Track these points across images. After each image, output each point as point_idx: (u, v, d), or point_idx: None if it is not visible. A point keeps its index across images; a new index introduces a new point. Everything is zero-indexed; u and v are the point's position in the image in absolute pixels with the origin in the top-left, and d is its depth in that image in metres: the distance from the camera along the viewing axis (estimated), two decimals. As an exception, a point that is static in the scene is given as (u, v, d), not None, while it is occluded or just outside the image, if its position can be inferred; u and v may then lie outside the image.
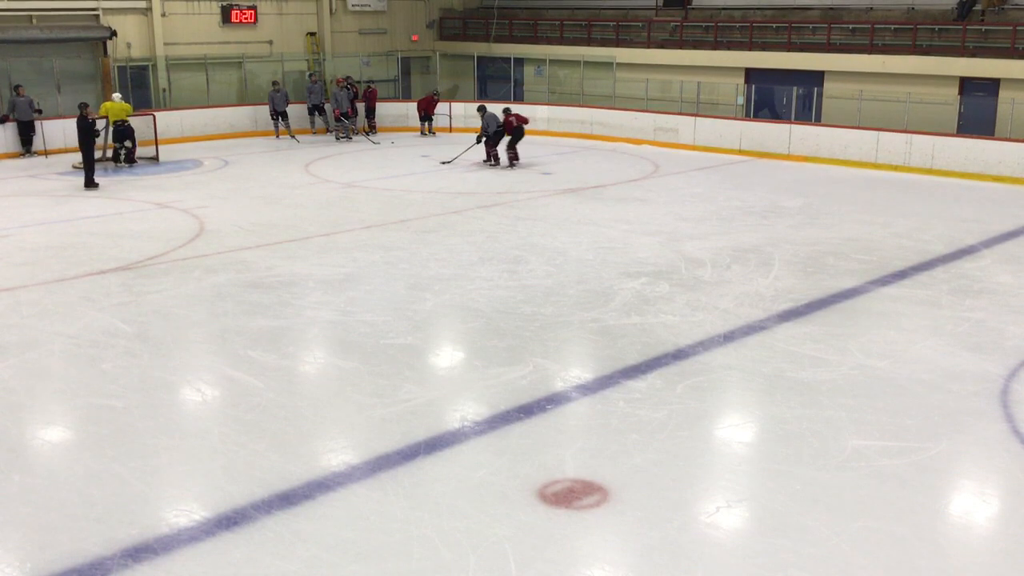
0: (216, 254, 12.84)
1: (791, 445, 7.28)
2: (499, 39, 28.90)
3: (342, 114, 23.88)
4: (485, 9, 30.26)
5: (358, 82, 25.25)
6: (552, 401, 8.07)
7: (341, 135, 24.12)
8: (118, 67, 23.83)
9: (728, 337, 9.61)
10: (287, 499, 6.40)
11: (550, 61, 27.61)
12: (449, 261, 12.50)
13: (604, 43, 26.78)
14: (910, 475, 6.81)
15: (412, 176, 19.18)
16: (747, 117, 23.05)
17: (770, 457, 7.19)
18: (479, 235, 13.95)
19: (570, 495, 6.49)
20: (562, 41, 27.73)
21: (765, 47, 23.75)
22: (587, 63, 26.52)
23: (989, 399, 8.10)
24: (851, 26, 22.62)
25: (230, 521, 6.14)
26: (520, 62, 28.27)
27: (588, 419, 7.85)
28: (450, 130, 25.55)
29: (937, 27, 21.30)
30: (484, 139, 20.01)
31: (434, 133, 24.99)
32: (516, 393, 8.18)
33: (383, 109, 25.67)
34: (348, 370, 8.83)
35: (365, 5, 28.60)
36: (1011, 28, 20.20)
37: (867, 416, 7.76)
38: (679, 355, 9.09)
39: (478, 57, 28.83)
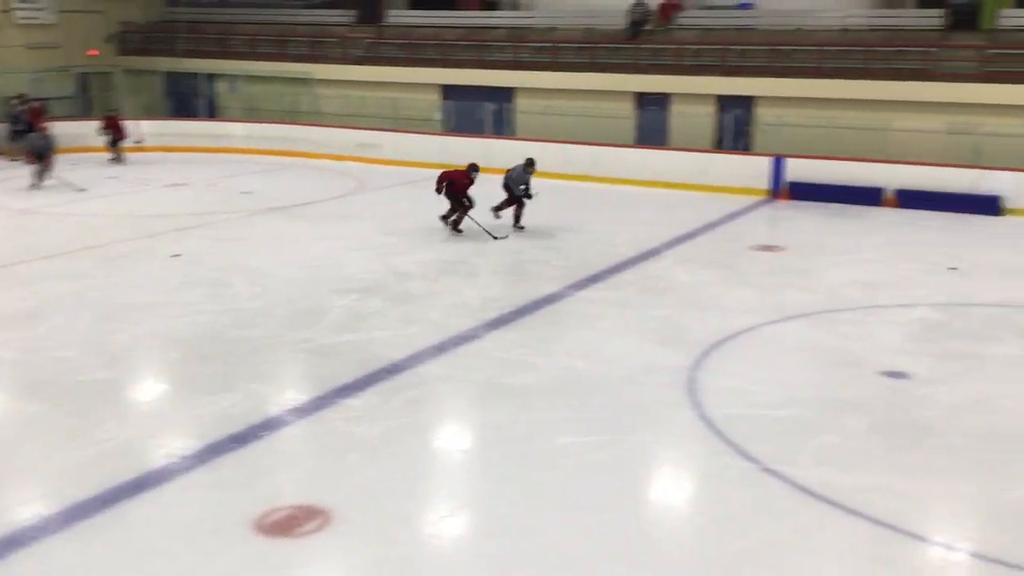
0: None
1: (507, 449, 7.52)
2: (188, 54, 27.61)
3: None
4: (169, 23, 28.85)
5: (33, 99, 22.90)
6: (266, 427, 7.80)
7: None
8: None
9: (440, 348, 9.77)
10: (-31, 564, 5.74)
11: (245, 77, 26.79)
12: (146, 288, 11.76)
13: (300, 59, 26.38)
14: (616, 466, 7.24)
15: (99, 199, 17.87)
16: (447, 132, 23.61)
17: (489, 462, 7.39)
18: (178, 259, 13.25)
19: (291, 523, 6.30)
20: (256, 56, 26.99)
21: (459, 64, 24.45)
22: (284, 79, 26.00)
23: (678, 389, 8.80)
24: (536, 44, 23.81)
25: (-101, 597, 5.40)
26: (212, 78, 27.20)
27: (305, 442, 7.69)
28: (142, 150, 23.99)
29: (613, 46, 22.92)
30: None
31: (121, 155, 23.13)
32: (226, 422, 7.83)
33: (62, 128, 23.51)
34: (35, 413, 8.05)
35: (33, 18, 26.36)
36: (677, 47, 22.15)
37: (574, 414, 8.17)
38: (394, 369, 9.12)
39: (167, 73, 27.41)
